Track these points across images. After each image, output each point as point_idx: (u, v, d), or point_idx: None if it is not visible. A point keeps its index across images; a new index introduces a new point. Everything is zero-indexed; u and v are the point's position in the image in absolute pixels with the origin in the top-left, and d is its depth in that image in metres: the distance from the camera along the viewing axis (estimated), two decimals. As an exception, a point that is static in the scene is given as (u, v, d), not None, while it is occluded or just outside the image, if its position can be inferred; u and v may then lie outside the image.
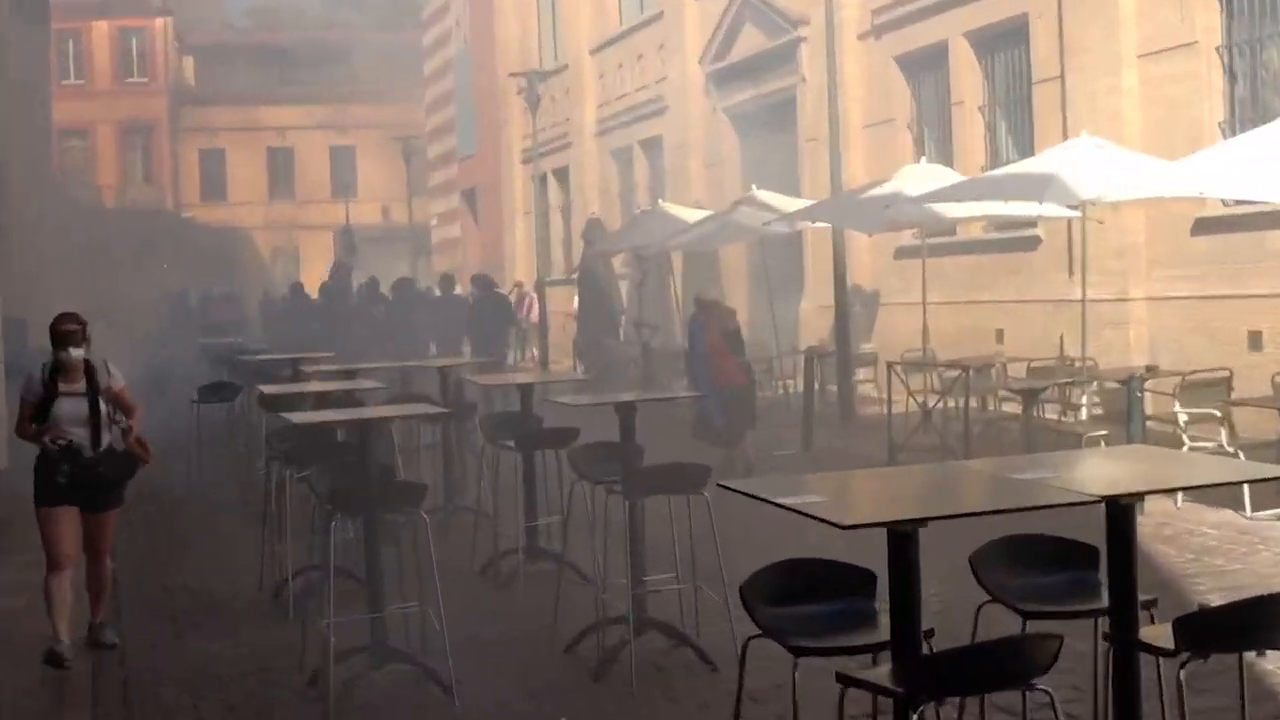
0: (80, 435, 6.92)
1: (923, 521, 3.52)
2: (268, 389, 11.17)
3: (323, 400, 10.29)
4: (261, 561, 8.81)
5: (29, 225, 23.53)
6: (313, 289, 27.42)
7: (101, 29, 52.70)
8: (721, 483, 4.15)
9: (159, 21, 53.64)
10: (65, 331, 7.03)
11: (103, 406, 6.98)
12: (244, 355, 17.49)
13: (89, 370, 7.07)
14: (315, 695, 6.33)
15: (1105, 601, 4.07)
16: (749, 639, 4.17)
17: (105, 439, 7.02)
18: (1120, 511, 3.80)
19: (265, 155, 54.76)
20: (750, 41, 22.79)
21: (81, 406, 6.93)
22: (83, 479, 6.91)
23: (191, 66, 55.69)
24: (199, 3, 61.96)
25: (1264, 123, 12.20)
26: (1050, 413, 12.84)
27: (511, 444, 9.09)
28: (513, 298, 29.36)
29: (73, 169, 49.40)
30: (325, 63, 55.21)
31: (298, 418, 8.17)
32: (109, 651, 7.29)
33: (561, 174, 32.18)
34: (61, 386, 6.95)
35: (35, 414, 6.98)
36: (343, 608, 6.42)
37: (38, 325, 19.75)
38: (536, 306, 28.24)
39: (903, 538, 3.53)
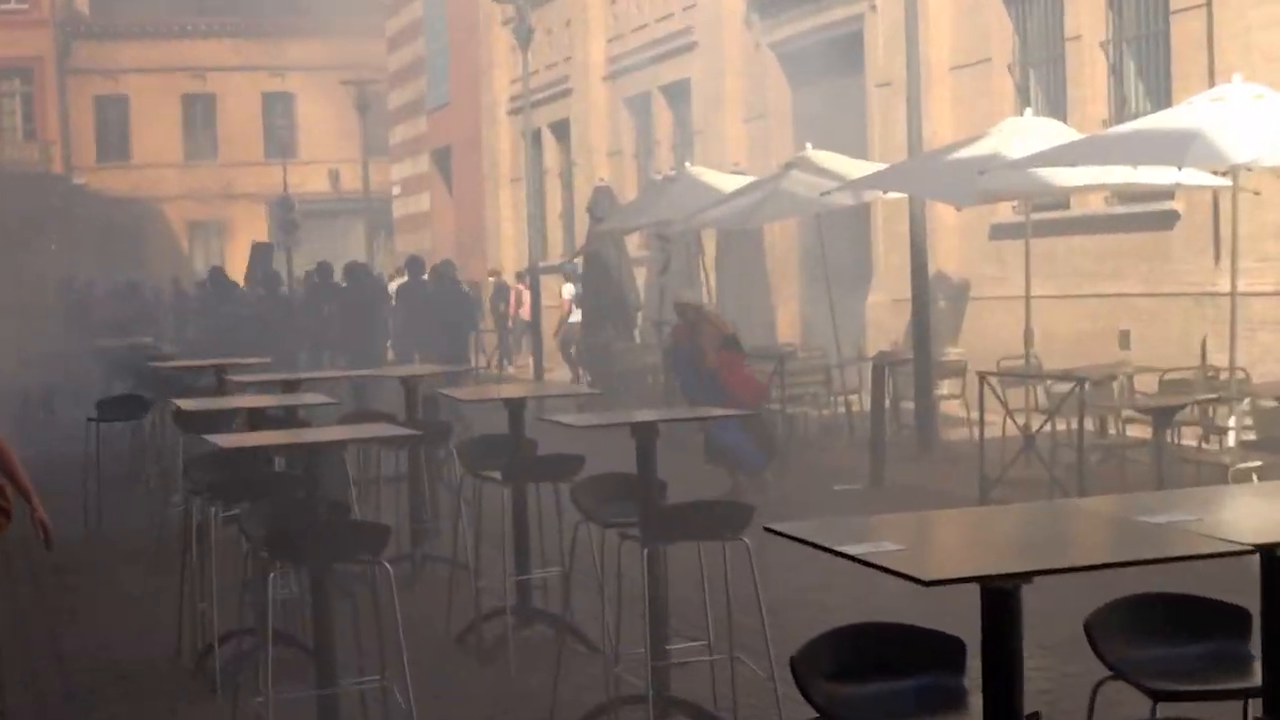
0: None
1: (1027, 576, 3.55)
2: (185, 404, 11.23)
3: (257, 419, 10.37)
4: (180, 624, 8.86)
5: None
6: (239, 276, 27.63)
7: (-34, -60, 53.07)
8: (770, 526, 4.20)
9: (42, -68, 53.97)
10: None
11: None
12: (154, 361, 17.62)
13: None
14: (248, 794, 6.43)
15: (1258, 678, 4.07)
16: (802, 724, 4.22)
17: None
18: (1278, 566, 3.86)
19: (180, 104, 54.88)
20: (803, -42, 22.87)
21: None
22: None
23: (85, -10, 56.03)
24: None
25: None
26: (1188, 438, 12.84)
27: (498, 475, 9.15)
28: (488, 291, 29.59)
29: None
30: (257, -14, 55.48)
31: (224, 441, 8.25)
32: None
33: (560, 129, 32.30)
34: None
35: None
36: (284, 682, 6.49)
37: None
38: (527, 300, 28.39)
39: (1001, 596, 3.56)
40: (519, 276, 31.84)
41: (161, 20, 54.66)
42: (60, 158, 53.12)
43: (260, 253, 31.44)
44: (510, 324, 31.56)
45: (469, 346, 21.31)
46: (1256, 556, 3.82)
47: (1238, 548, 3.75)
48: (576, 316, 26.20)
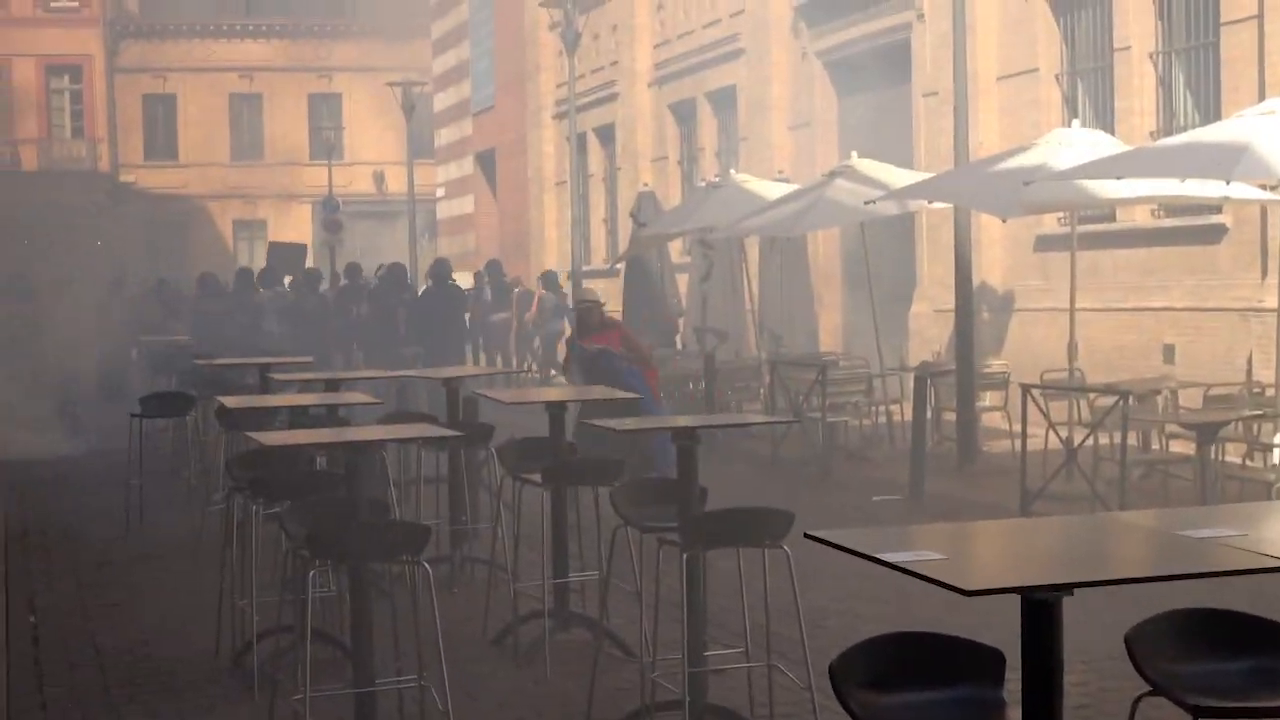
0: None
1: (1068, 588, 3.55)
2: (229, 401, 11.32)
3: (299, 418, 10.44)
4: (219, 621, 8.90)
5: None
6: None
7: (20, -59, 53.48)
8: (811, 533, 4.20)
9: (93, -68, 54.35)
10: None
11: None
12: (198, 359, 17.76)
13: None
14: (285, 791, 6.47)
15: (1300, 696, 4.09)
16: (840, 733, 4.23)
17: None
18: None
19: (227, 104, 55.21)
20: (852, -33, 22.85)
21: None
22: None
23: (134, -10, 56.40)
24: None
25: None
26: (1233, 454, 12.77)
27: (538, 478, 9.18)
28: (514, 298, 29.73)
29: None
30: (304, -13, 55.75)
31: (267, 439, 8.29)
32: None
33: (605, 134, 32.35)
34: None
35: None
36: (321, 681, 6.53)
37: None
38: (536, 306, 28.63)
39: (1042, 607, 3.56)
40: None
41: (209, 20, 55.01)
42: (108, 155, 53.50)
43: (281, 253, 31.58)
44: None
45: (462, 347, 21.65)
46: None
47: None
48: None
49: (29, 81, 53.24)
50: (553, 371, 26.75)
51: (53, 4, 53.78)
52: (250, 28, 55.13)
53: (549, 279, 28.96)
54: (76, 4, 53.97)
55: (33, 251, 35.75)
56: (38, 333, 27.13)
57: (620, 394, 11.33)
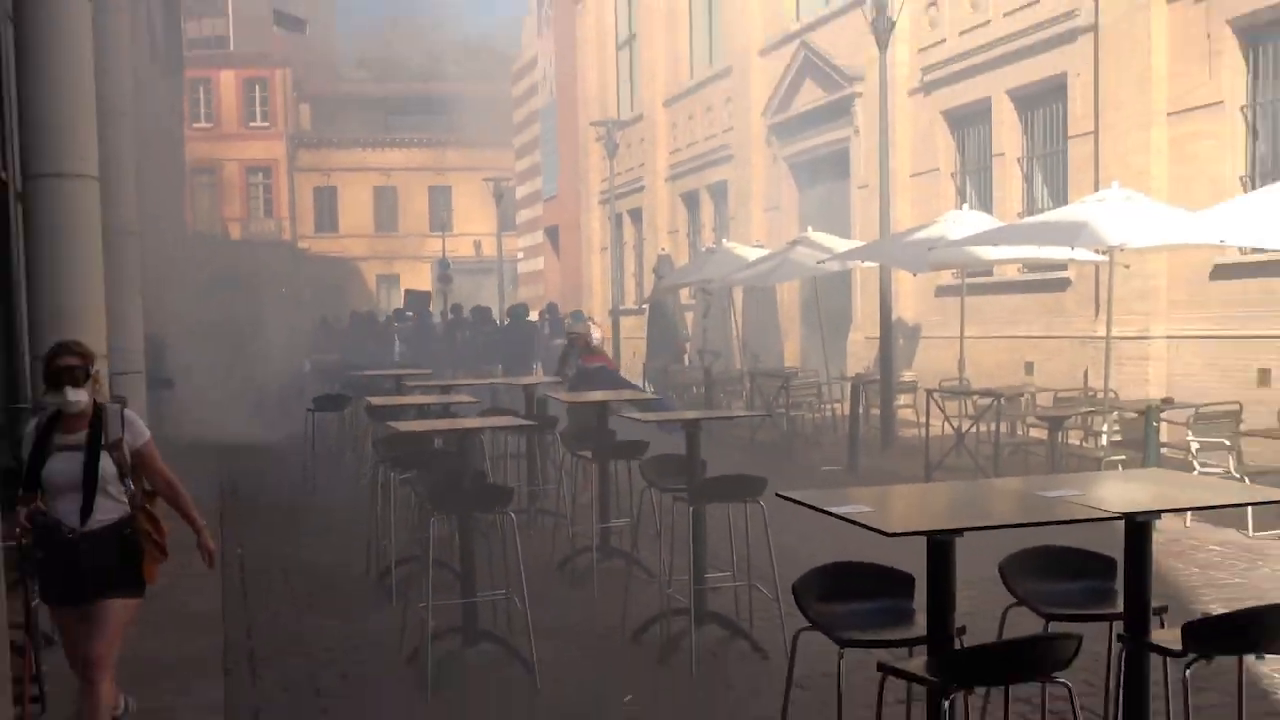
0: (68, 506, 4.75)
1: (959, 531, 3.59)
2: (375, 400, 11.40)
3: (423, 412, 10.50)
4: (368, 552, 9.01)
5: (164, 254, 24.12)
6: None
7: (229, 78, 53.77)
8: (780, 493, 4.26)
9: (279, 72, 54.61)
10: (60, 368, 4.79)
11: (104, 467, 4.78)
12: (353, 370, 17.85)
13: (95, 418, 4.84)
14: (414, 670, 6.47)
15: (1120, 607, 4.09)
16: (799, 631, 4.24)
17: (101, 510, 4.79)
18: (1137, 528, 3.85)
19: (372, 193, 55.43)
20: (809, 96, 22.83)
21: (77, 466, 4.75)
22: (60, 566, 4.81)
23: (308, 113, 56.57)
24: (314, 56, 63.05)
25: None
26: (1073, 438, 12.77)
27: (588, 454, 9.23)
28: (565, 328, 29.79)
29: (202, 203, 50.44)
30: (426, 111, 55.85)
31: (402, 427, 8.36)
32: (237, 628, 7.48)
33: (635, 214, 32.38)
34: (57, 439, 4.80)
35: (27, 477, 4.82)
36: (439, 594, 6.58)
37: (172, 344, 20.28)
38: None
39: (941, 545, 3.60)
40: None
41: (360, 135, 55.30)
42: (289, 229, 53.84)
43: (415, 297, 31.68)
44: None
45: (532, 364, 21.78)
46: (1122, 522, 3.85)
47: (1109, 515, 3.78)
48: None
49: (234, 177, 53.62)
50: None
51: (251, 124, 54.14)
52: (389, 140, 55.38)
53: (576, 315, 28.84)
54: (268, 124, 54.33)
55: (237, 297, 35.87)
56: (242, 355, 27.33)
57: (643, 394, 11.43)
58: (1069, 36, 16.10)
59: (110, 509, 4.80)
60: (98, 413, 4.85)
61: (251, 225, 53.29)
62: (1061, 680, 3.51)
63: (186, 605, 7.74)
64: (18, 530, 4.85)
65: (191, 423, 17.63)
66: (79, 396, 4.76)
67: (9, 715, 5.10)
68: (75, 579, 4.76)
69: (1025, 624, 4.38)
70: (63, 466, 4.73)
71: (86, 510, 4.73)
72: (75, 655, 4.84)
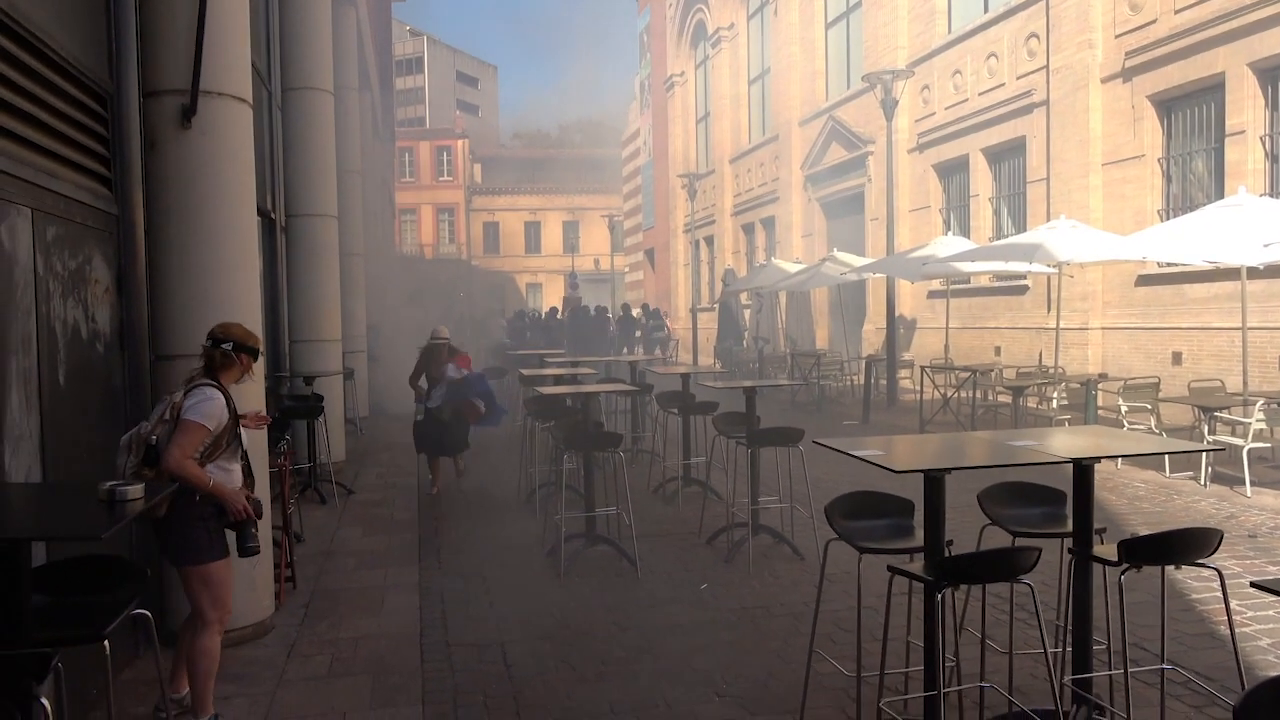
0: (235, 469, 3.92)
1: (949, 470, 3.49)
2: (526, 372, 11.50)
3: (559, 380, 10.54)
4: (520, 479, 9.10)
5: (380, 271, 24.72)
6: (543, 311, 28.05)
7: (426, 146, 54.60)
8: (815, 440, 4.16)
9: (460, 142, 55.27)
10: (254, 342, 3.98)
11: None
12: (509, 350, 18.00)
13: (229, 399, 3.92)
14: (551, 562, 6.51)
15: (1069, 528, 3.95)
16: (829, 541, 4.16)
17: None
18: (1083, 470, 3.71)
19: (523, 226, 55.97)
20: (834, 154, 22.43)
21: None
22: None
23: (479, 170, 57.25)
24: (484, 131, 63.83)
25: (1189, 211, 11.58)
26: (1031, 403, 12.41)
27: (676, 411, 9.18)
28: (640, 316, 29.74)
29: (406, 234, 51.45)
30: (560, 168, 56.23)
31: (545, 391, 8.41)
32: (428, 530, 7.56)
33: (708, 240, 32.18)
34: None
35: (215, 445, 3.77)
36: (569, 509, 6.62)
37: (385, 332, 20.68)
38: (668, 326, 28.58)
39: (935, 480, 3.50)
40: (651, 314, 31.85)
41: (515, 185, 55.81)
42: (465, 252, 54.59)
43: (571, 299, 31.93)
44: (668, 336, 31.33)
45: (605, 347, 21.73)
46: (1071, 465, 3.71)
47: (1061, 459, 3.64)
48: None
49: (428, 216, 54.49)
50: (657, 350, 26.22)
51: (440, 178, 54.95)
52: (535, 188, 55.79)
53: (646, 309, 28.24)
54: (451, 178, 55.08)
55: (429, 300, 36.52)
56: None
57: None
58: (1027, 109, 15.59)
59: None
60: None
61: (440, 249, 54.16)
62: (1026, 581, 3.39)
63: (393, 515, 7.89)
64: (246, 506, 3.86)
65: (394, 384, 17.99)
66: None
67: (270, 590, 5.25)
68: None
69: (997, 539, 4.25)
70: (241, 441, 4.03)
71: (248, 469, 4.06)
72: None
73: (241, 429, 3.98)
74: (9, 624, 2.65)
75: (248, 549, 3.81)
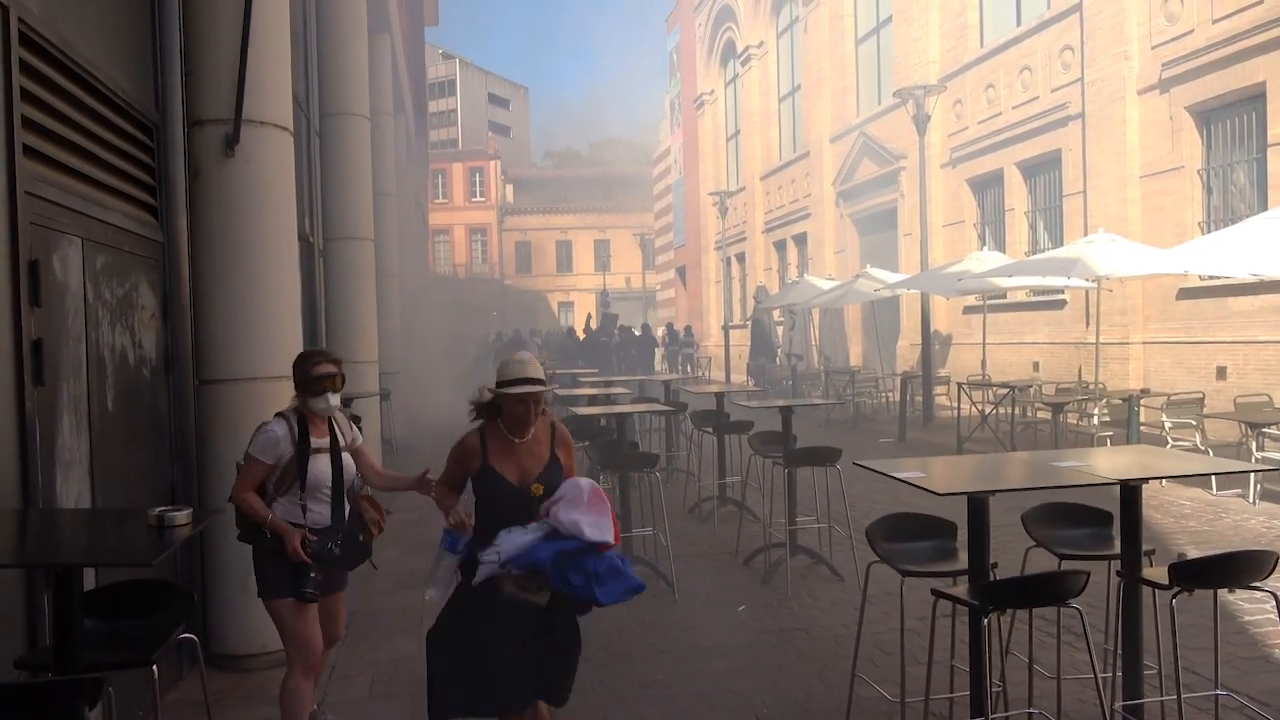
0: (320, 509, 3.70)
1: (992, 492, 3.44)
2: (559, 391, 11.51)
3: (593, 400, 10.55)
4: (554, 498, 9.08)
5: (415, 290, 24.96)
6: (580, 328, 28.20)
7: (458, 168, 55.24)
8: (856, 462, 4.12)
9: (492, 163, 55.84)
10: (324, 375, 3.70)
11: (348, 466, 3.79)
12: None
13: (330, 424, 3.80)
14: (588, 583, 6.50)
15: (1117, 550, 3.86)
16: (870, 563, 4.11)
17: (346, 513, 3.79)
18: (1130, 490, 3.63)
19: (555, 245, 56.29)
20: (866, 170, 22.35)
21: (326, 470, 3.72)
22: (323, 571, 3.70)
23: (511, 191, 57.76)
24: (516, 151, 64.46)
25: (1231, 224, 11.39)
26: (1070, 419, 12.20)
27: (710, 430, 9.15)
28: (664, 337, 29.86)
29: (440, 254, 51.99)
30: (591, 187, 56.55)
31: (580, 410, 8.41)
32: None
33: (740, 257, 32.16)
34: (313, 443, 3.71)
35: (282, 479, 3.64)
36: (606, 529, 6.59)
37: (419, 348, 20.85)
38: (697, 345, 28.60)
39: (979, 502, 3.45)
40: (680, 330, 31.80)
41: (546, 205, 56.19)
42: (499, 271, 54.97)
43: (607, 317, 32.08)
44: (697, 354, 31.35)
45: (653, 365, 21.85)
46: (1118, 486, 3.63)
47: (1109, 480, 3.57)
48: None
49: (461, 236, 54.99)
50: (689, 368, 25.96)
51: (472, 199, 55.51)
52: (566, 208, 56.14)
53: (670, 330, 28.65)
54: (484, 199, 55.60)
55: (464, 318, 36.81)
56: (464, 358, 27.93)
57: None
58: (1062, 122, 15.44)
59: (347, 501, 3.84)
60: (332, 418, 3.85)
61: (473, 269, 54.62)
62: (1074, 605, 3.32)
63: (431, 534, 7.87)
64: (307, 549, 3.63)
65: (425, 397, 18.12)
66: (337, 402, 3.76)
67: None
68: (333, 575, 3.84)
69: (1042, 560, 4.17)
70: (321, 468, 3.70)
71: (338, 508, 3.74)
72: (316, 639, 3.69)
73: (312, 465, 3.66)
74: (62, 648, 2.70)
75: (302, 594, 3.59)
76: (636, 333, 24.34)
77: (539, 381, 3.27)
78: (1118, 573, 3.72)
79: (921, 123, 15.26)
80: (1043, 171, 16.42)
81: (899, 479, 3.56)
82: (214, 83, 4.84)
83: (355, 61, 10.06)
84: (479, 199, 55.49)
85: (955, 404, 13.49)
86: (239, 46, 4.72)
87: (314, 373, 3.71)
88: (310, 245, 9.28)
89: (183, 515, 3.00)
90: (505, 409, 3.31)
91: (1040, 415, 12.84)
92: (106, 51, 4.42)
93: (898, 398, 15.34)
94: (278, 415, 3.75)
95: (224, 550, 4.82)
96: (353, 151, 9.94)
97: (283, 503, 3.68)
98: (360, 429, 3.98)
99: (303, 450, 3.66)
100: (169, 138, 5.06)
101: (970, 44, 18.23)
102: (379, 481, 3.90)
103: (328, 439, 3.77)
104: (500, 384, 3.33)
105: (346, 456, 3.81)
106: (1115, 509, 3.85)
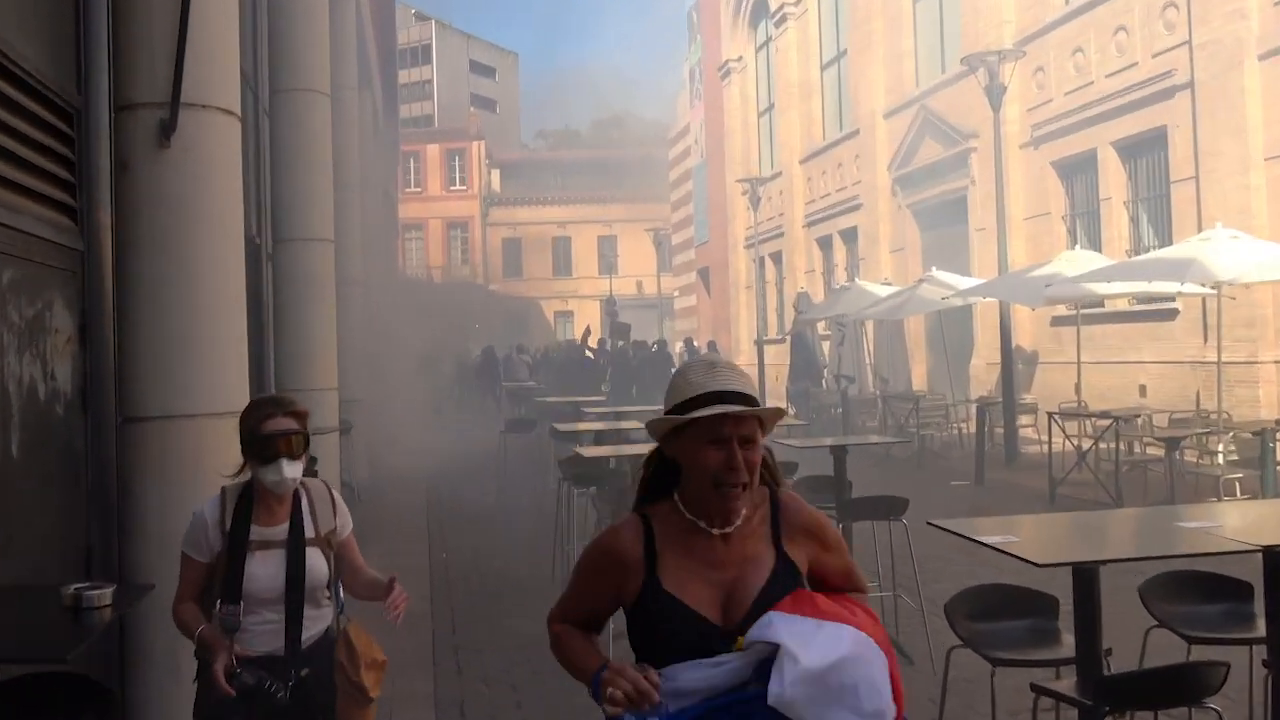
0: (267, 628, 3.04)
1: (1103, 562, 3.36)
2: (560, 426, 11.43)
3: (600, 437, 10.49)
4: (554, 556, 8.99)
5: (382, 299, 25.00)
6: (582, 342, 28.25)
7: (434, 150, 55.62)
8: (931, 522, 4.05)
9: (474, 145, 56.22)
10: (275, 434, 3.02)
11: (315, 568, 3.10)
12: (539, 397, 18.04)
13: (295, 499, 3.14)
14: (598, 665, 6.42)
15: (1259, 631, 3.78)
16: (951, 648, 4.03)
17: (308, 624, 3.10)
18: (1276, 558, 3.55)
19: (550, 243, 56.51)
20: (929, 151, 22.35)
21: (275, 574, 3.04)
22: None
23: (497, 177, 58.04)
24: (503, 130, 64.88)
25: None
26: (1190, 457, 12.05)
27: (745, 473, 9.08)
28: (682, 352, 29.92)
29: (411, 254, 52.21)
30: (594, 173, 56.80)
31: (585, 451, 8.36)
32: (442, 624, 7.54)
33: (776, 257, 32.17)
34: (255, 533, 3.06)
35: (209, 585, 3.07)
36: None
37: (387, 370, 20.88)
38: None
39: (1087, 574, 3.38)
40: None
41: (540, 194, 56.45)
42: (482, 274, 55.19)
43: (619, 327, 32.11)
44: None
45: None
46: (1260, 553, 3.55)
47: (1250, 547, 3.48)
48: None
49: (438, 232, 55.32)
50: None
51: (451, 187, 55.83)
52: (563, 198, 56.39)
53: (689, 346, 28.82)
54: (465, 187, 55.94)
55: (440, 329, 36.86)
56: (442, 377, 27.95)
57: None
58: (1168, 93, 15.41)
59: (315, 620, 3.13)
60: (297, 494, 3.14)
61: (451, 271, 54.84)
62: (1211, 706, 3.22)
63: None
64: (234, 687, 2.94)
65: (394, 428, 18.10)
66: (296, 473, 3.05)
67: None
68: None
69: (1165, 644, 4.08)
70: (266, 570, 3.02)
71: (294, 630, 3.04)
72: None
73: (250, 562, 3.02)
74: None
75: None
76: (653, 348, 24.33)
77: (749, 400, 2.11)
78: (1263, 661, 3.63)
79: (995, 95, 15.23)
80: (1145, 153, 16.36)
81: (986, 544, 3.50)
82: (147, 59, 4.83)
83: (313, 27, 10.10)
84: (459, 187, 55.80)
85: (1045, 438, 13.37)
86: (178, 18, 4.71)
87: (263, 430, 3.02)
88: (257, 248, 9.28)
89: (103, 595, 2.94)
90: (691, 463, 2.16)
91: (1151, 452, 12.69)
92: (20, 27, 4.42)
93: (973, 430, 15.22)
94: (223, 489, 3.15)
95: (148, 629, 4.73)
96: (310, 135, 9.96)
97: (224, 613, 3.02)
98: (316, 472, 3.55)
99: (237, 542, 3.00)
100: (92, 125, 5.05)
101: (1053, 0, 18.25)
102: (359, 590, 3.26)
103: (285, 525, 3.06)
104: (674, 410, 2.16)
105: (314, 553, 3.08)
106: (1257, 579, 3.76)
